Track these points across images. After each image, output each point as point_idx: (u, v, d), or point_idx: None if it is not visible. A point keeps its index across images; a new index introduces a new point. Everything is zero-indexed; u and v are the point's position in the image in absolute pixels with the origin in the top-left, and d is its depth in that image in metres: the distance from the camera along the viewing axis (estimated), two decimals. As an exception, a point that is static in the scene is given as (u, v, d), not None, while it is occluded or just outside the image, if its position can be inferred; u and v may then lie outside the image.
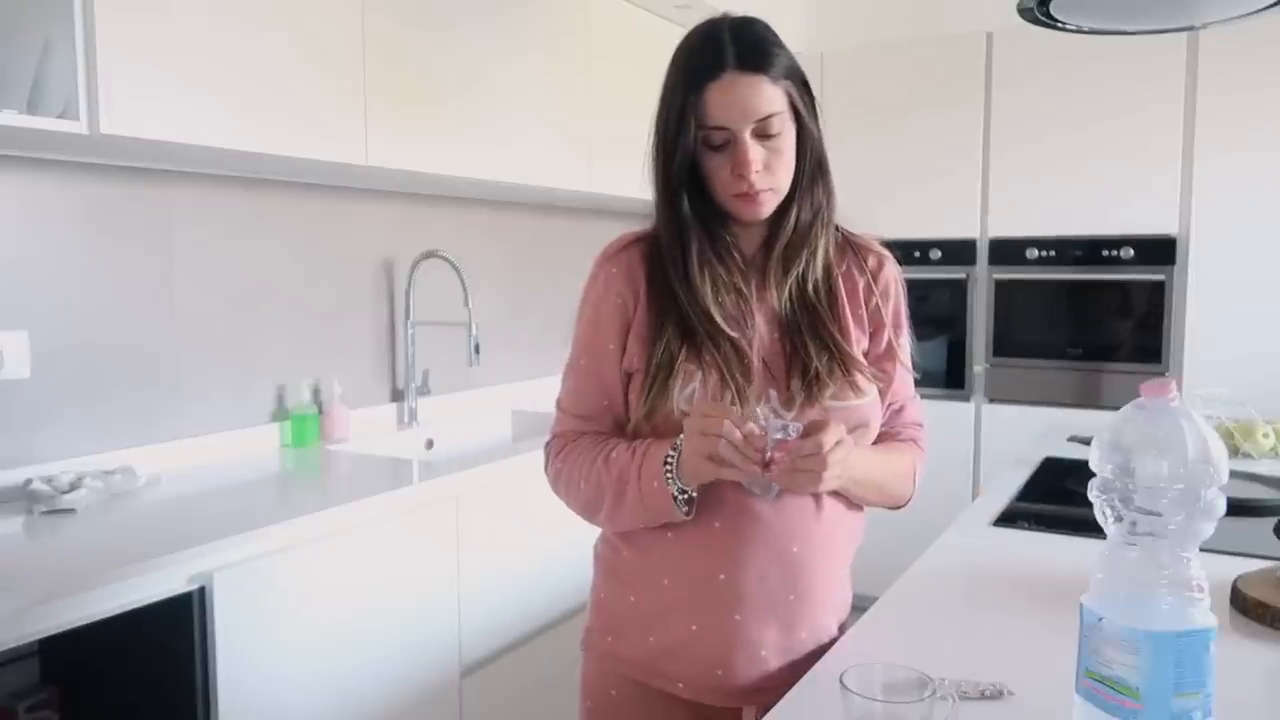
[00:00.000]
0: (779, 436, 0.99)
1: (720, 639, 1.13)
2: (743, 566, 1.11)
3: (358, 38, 2.05)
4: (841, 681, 0.84)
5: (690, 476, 1.05)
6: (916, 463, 1.25)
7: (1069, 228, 3.37)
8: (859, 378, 1.12)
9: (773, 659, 1.13)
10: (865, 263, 1.20)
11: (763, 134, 1.07)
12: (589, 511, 1.18)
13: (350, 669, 1.77)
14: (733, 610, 1.12)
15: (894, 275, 1.22)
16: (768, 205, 1.11)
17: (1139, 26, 1.98)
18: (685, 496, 1.07)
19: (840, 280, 1.17)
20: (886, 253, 1.23)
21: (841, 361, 1.11)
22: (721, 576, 1.12)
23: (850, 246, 1.21)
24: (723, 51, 1.06)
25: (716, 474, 1.02)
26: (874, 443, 1.18)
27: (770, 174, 1.09)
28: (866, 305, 1.18)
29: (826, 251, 1.17)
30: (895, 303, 1.21)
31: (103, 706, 1.69)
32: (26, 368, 1.81)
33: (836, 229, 1.20)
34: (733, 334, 1.10)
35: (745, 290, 1.14)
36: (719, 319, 1.10)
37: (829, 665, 1.05)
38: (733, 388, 1.08)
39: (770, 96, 1.06)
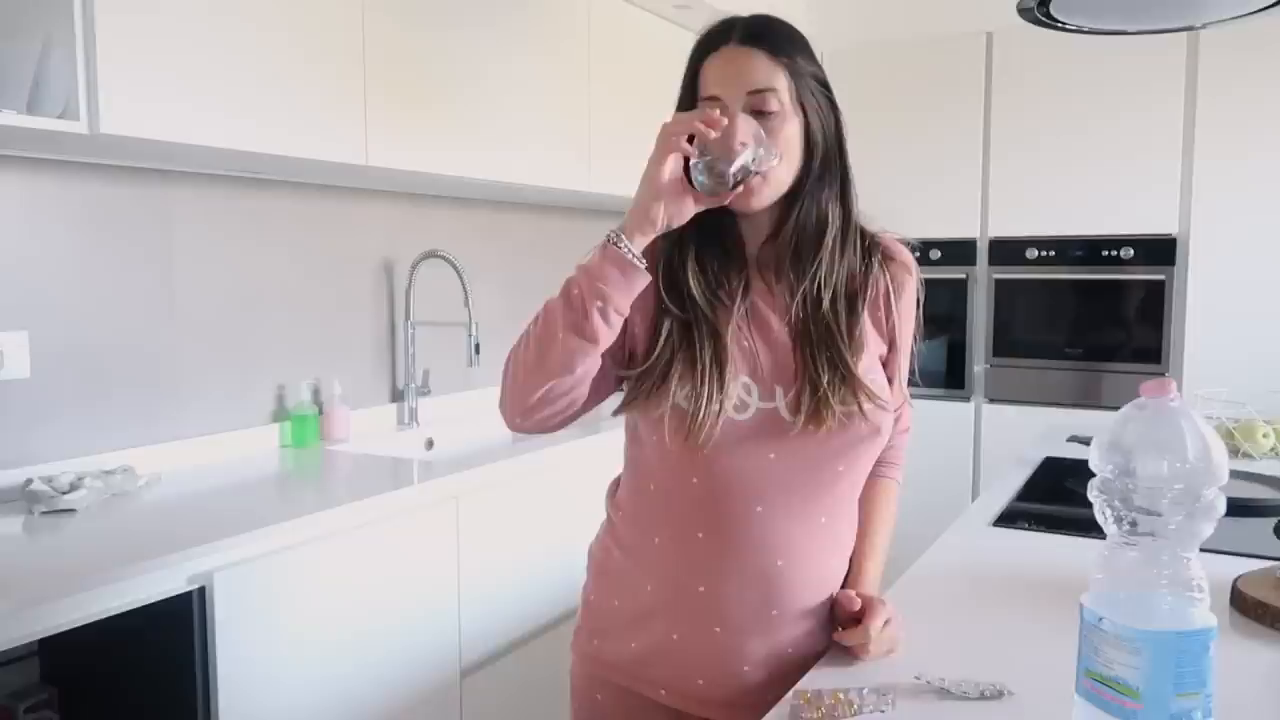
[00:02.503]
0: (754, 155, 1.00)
1: (700, 649, 1.11)
2: (722, 580, 1.09)
3: (358, 38, 2.05)
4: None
5: (645, 190, 0.99)
6: (896, 497, 1.27)
7: (1069, 228, 3.37)
8: (864, 399, 1.08)
9: (755, 672, 1.11)
10: (890, 271, 1.17)
11: (757, 109, 1.05)
12: (540, 360, 1.07)
13: (350, 669, 1.77)
14: (712, 622, 1.10)
15: (917, 288, 1.21)
16: (758, 192, 1.07)
17: (1139, 26, 1.98)
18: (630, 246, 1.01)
19: (861, 287, 1.14)
20: (914, 263, 1.20)
21: (851, 386, 1.08)
22: (701, 588, 1.10)
23: (877, 250, 1.17)
24: (730, 29, 1.08)
25: (672, 180, 0.98)
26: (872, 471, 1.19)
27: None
28: (886, 314, 1.16)
29: (849, 260, 1.13)
30: (915, 314, 1.21)
31: (103, 706, 1.69)
32: (26, 368, 1.81)
33: (863, 232, 1.17)
34: (716, 322, 1.09)
35: (735, 282, 1.12)
36: (702, 303, 1.09)
37: (814, 681, 1.02)
38: (716, 374, 1.06)
39: (767, 71, 1.05)
